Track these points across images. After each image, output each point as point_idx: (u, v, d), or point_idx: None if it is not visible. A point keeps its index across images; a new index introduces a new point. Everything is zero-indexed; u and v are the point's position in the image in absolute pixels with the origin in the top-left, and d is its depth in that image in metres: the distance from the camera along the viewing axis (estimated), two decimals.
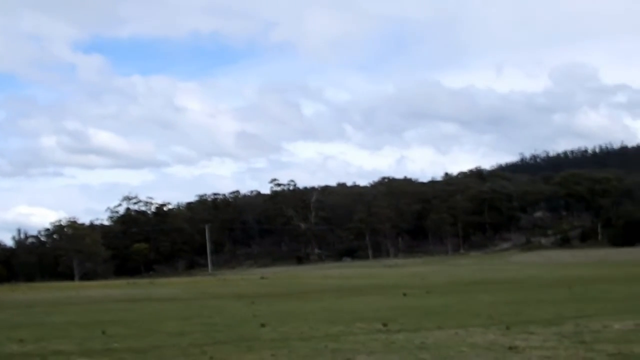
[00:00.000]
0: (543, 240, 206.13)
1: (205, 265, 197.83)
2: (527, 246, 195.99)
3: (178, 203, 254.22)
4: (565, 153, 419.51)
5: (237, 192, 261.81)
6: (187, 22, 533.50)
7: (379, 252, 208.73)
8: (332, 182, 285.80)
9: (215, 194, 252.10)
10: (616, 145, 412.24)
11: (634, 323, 27.61)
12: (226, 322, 35.40)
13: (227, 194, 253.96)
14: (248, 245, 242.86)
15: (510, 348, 22.02)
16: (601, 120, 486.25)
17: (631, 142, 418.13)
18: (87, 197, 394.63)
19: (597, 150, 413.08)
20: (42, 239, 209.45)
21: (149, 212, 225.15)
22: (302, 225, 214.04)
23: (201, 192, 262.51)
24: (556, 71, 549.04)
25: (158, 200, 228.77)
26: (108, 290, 76.63)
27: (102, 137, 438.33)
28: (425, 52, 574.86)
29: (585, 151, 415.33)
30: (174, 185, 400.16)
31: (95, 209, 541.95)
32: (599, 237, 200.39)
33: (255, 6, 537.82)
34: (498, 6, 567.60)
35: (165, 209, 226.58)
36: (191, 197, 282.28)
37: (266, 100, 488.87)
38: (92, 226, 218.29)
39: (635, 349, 21.09)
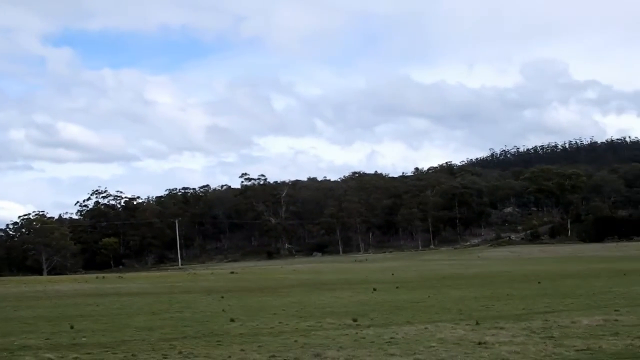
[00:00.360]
0: (513, 236, 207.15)
1: (175, 260, 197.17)
2: (497, 242, 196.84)
3: (148, 197, 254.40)
4: (535, 149, 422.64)
5: (208, 186, 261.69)
6: (157, 15, 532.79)
7: (349, 247, 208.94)
8: (303, 177, 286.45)
9: (185, 189, 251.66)
10: (586, 141, 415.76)
11: (602, 319, 27.73)
12: (195, 316, 35.25)
13: (197, 189, 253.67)
14: (218, 240, 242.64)
15: (479, 343, 22.04)
16: (571, 116, 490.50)
17: (601, 138, 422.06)
18: (56, 190, 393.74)
19: (567, 146, 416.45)
20: (11, 232, 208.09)
21: (118, 206, 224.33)
22: (273, 220, 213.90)
23: (171, 187, 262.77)
24: (527, 67, 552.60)
25: (128, 194, 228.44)
26: (77, 285, 76.04)
27: (72, 131, 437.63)
28: (396, 47, 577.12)
29: (556, 147, 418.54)
30: (144, 180, 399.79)
31: (64, 202, 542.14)
32: (569, 232, 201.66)
33: (225, 0, 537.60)
34: (468, 2, 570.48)
35: (135, 203, 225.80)
36: (161, 192, 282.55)
37: (237, 94, 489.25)
38: (61, 220, 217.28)
39: (603, 344, 21.16)
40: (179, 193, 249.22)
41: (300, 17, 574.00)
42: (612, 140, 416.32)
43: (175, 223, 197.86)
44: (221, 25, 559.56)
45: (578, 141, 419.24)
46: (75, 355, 22.20)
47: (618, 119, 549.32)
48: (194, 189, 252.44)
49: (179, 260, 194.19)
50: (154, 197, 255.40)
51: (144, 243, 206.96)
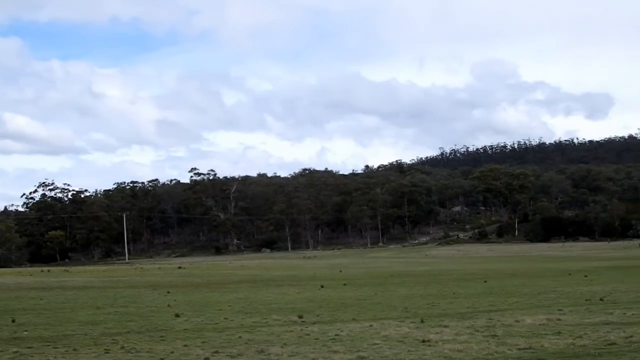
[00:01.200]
0: (461, 235, 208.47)
1: (123, 254, 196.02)
2: (445, 240, 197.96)
3: (96, 191, 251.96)
4: (484, 148, 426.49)
5: (157, 180, 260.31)
6: (107, 7, 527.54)
7: (298, 243, 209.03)
8: (253, 173, 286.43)
9: (134, 182, 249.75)
10: (534, 142, 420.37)
11: (546, 318, 27.92)
12: (140, 311, 34.98)
13: (146, 183, 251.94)
14: (166, 235, 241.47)
15: (423, 341, 22.06)
16: (520, 116, 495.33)
17: (549, 139, 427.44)
18: (2, 182, 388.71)
19: (516, 146, 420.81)
20: None
21: (65, 199, 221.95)
22: (222, 215, 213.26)
23: (120, 180, 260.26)
24: (477, 67, 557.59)
25: (75, 187, 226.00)
26: (21, 278, 75.25)
27: (19, 122, 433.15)
28: (348, 44, 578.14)
29: (505, 147, 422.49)
30: (92, 173, 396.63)
31: (10, 195, 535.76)
32: (516, 232, 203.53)
33: None
34: (420, 1, 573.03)
35: (82, 196, 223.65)
36: (109, 185, 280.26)
37: (187, 88, 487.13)
38: (6, 212, 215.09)
39: (545, 343, 21.28)
40: (128, 187, 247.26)
41: (252, 11, 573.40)
42: (560, 141, 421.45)
43: (123, 217, 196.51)
44: (172, 18, 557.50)
45: (527, 142, 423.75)
46: (15, 350, 21.87)
47: (566, 120, 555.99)
48: (142, 183, 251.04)
49: (126, 254, 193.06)
50: (102, 191, 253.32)
51: (91, 237, 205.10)
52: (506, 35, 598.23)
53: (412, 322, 27.45)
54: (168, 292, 49.25)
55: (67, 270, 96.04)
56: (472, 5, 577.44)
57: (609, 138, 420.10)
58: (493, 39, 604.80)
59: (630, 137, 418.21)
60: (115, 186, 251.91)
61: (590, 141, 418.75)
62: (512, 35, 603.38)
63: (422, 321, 27.48)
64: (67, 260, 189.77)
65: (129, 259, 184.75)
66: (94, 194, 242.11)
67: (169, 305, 37.90)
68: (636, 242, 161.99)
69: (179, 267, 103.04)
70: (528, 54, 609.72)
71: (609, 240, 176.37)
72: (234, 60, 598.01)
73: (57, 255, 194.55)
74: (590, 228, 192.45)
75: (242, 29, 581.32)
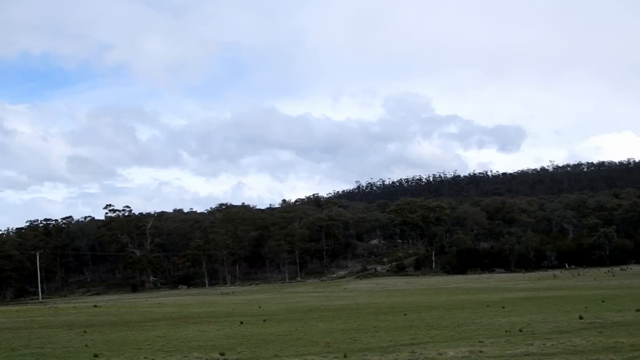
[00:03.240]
0: (379, 268, 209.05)
1: (36, 293, 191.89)
2: (363, 273, 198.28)
3: (8, 229, 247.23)
4: (400, 182, 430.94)
5: (71, 218, 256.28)
6: (17, 42, 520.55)
7: (215, 279, 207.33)
8: (168, 209, 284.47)
9: (47, 220, 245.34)
10: (449, 174, 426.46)
11: (468, 350, 27.99)
12: (57, 352, 34.17)
13: (59, 220, 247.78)
14: (81, 273, 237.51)
15: None
16: (434, 149, 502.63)
17: (463, 172, 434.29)
18: None
19: (432, 179, 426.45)
20: None
21: None
22: (137, 252, 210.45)
23: (32, 218, 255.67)
24: (390, 101, 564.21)
25: None
26: None
27: None
28: (262, 79, 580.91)
29: (420, 180, 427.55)
30: (3, 211, 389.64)
31: None
32: (433, 264, 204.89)
33: (89, 27, 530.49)
34: (332, 36, 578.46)
35: None
36: (22, 223, 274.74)
37: (100, 124, 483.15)
38: None
39: None
40: (41, 225, 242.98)
41: (166, 46, 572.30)
42: (475, 174, 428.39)
43: (36, 255, 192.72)
44: (85, 53, 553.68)
45: (442, 174, 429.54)
46: None
47: (479, 153, 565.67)
48: (56, 220, 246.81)
49: (40, 293, 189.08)
50: (14, 229, 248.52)
51: (2, 276, 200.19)
52: (419, 70, 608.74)
53: (335, 357, 27.27)
54: (85, 332, 48.33)
55: None
56: (386, 41, 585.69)
57: (522, 170, 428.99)
58: (406, 73, 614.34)
59: (543, 169, 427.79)
60: (27, 224, 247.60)
61: (504, 173, 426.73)
62: (425, 70, 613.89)
63: (345, 356, 27.33)
64: None
65: (42, 298, 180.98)
66: (5, 233, 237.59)
67: (86, 345, 37.11)
68: (550, 272, 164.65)
69: (95, 306, 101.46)
70: (441, 88, 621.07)
71: (524, 271, 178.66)
72: (148, 95, 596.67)
73: None
74: (506, 259, 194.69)
75: (156, 63, 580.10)
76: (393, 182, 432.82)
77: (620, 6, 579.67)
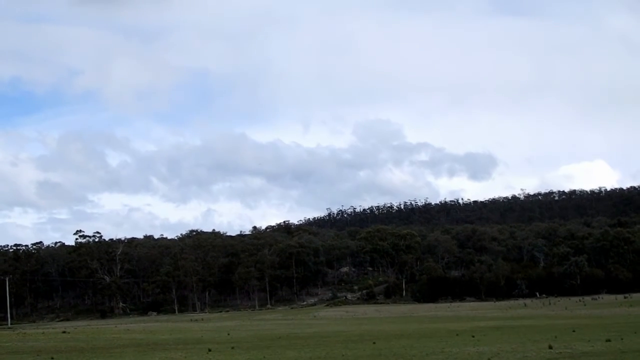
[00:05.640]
0: (349, 296, 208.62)
1: (4, 319, 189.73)
2: (333, 301, 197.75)
3: None
4: (371, 209, 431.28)
5: (41, 243, 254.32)
6: None
7: (185, 306, 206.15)
8: (138, 234, 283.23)
9: (17, 245, 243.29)
10: (420, 202, 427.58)
11: None
12: None
13: (29, 245, 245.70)
14: (50, 298, 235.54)
15: None
16: (405, 177, 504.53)
17: (434, 200, 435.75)
18: None
19: (402, 206, 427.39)
20: None
21: None
22: (107, 278, 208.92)
23: (2, 243, 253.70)
24: (360, 128, 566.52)
25: None
26: None
27: None
28: (231, 105, 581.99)
29: (391, 207, 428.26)
30: None
31: None
32: (404, 292, 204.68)
33: (58, 53, 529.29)
34: (298, 64, 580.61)
35: None
36: None
37: (70, 149, 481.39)
38: None
39: None
40: (10, 250, 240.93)
41: (135, 72, 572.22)
42: (446, 201, 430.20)
43: (5, 280, 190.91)
44: (54, 78, 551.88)
45: (413, 202, 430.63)
46: None
47: (450, 181, 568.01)
48: (26, 245, 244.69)
49: (9, 319, 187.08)
50: None
51: None
52: (389, 97, 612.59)
53: None
54: (52, 358, 47.83)
55: None
56: (354, 69, 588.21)
57: (493, 198, 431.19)
58: (376, 101, 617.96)
59: (514, 197, 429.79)
60: None
61: (475, 201, 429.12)
62: (395, 98, 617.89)
63: None
64: None
65: (11, 324, 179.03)
66: None
67: None
68: (521, 301, 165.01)
69: (64, 332, 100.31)
70: (411, 116, 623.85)
71: (495, 299, 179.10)
72: (118, 121, 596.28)
73: None
74: (477, 288, 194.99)
75: (126, 89, 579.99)
76: (364, 210, 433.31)
77: (588, 35, 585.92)
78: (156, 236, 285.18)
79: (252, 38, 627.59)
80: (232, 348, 54.45)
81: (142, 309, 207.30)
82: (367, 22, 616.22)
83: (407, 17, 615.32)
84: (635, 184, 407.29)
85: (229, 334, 79.64)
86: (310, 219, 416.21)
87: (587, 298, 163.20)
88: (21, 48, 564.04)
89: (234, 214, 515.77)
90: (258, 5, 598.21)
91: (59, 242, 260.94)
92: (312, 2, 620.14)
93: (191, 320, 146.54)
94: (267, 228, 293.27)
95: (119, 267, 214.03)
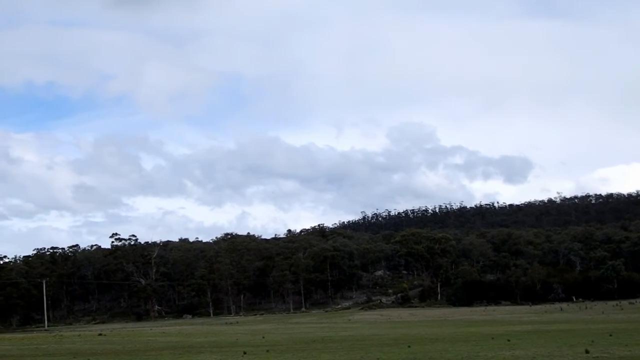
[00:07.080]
0: (384, 299, 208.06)
1: (41, 321, 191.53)
2: (368, 305, 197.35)
3: (15, 257, 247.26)
4: (406, 212, 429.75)
5: (77, 246, 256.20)
6: (22, 71, 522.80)
7: (220, 309, 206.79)
8: (173, 238, 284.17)
9: (54, 248, 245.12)
10: (455, 206, 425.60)
11: None
12: None
13: (66, 248, 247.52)
14: (86, 301, 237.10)
15: None
16: (439, 180, 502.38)
17: (469, 203, 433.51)
18: None
19: (437, 210, 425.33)
20: None
21: None
22: (142, 281, 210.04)
23: (39, 246, 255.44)
24: (394, 131, 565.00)
25: None
26: None
27: None
28: (265, 109, 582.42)
29: (426, 211, 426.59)
30: (10, 239, 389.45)
31: None
32: (438, 296, 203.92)
33: (91, 57, 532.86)
34: (329, 67, 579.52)
35: (0, 262, 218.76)
36: (29, 251, 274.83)
37: (104, 153, 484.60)
38: None
39: None
40: (47, 253, 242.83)
41: (168, 76, 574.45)
42: (481, 205, 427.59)
43: (42, 283, 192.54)
44: (88, 83, 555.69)
45: (448, 206, 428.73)
46: None
47: (485, 184, 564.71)
48: (62, 248, 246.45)
49: (46, 321, 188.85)
50: (22, 257, 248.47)
51: (9, 303, 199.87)
52: (419, 99, 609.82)
53: None
54: None
55: None
56: (386, 71, 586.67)
57: (529, 202, 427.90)
58: (409, 103, 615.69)
59: (550, 200, 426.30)
60: (34, 252, 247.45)
61: (510, 205, 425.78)
62: (425, 100, 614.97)
63: None
64: None
65: (48, 326, 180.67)
66: (12, 260, 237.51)
67: None
68: (557, 305, 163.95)
69: (100, 334, 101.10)
70: (445, 118, 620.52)
71: (531, 304, 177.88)
72: (152, 124, 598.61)
73: None
74: (512, 292, 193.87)
75: (159, 93, 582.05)
76: (398, 213, 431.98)
77: (623, 37, 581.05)
78: (191, 239, 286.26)
79: (283, 41, 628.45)
80: (267, 351, 54.58)
81: (177, 312, 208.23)
82: (399, 24, 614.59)
83: (439, 19, 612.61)
84: None
85: (263, 337, 79.80)
86: (345, 222, 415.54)
87: (624, 302, 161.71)
88: (55, 52, 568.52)
89: (268, 217, 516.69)
90: (289, 8, 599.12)
91: (95, 245, 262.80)
92: (342, 4, 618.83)
93: (226, 323, 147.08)
94: (301, 231, 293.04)
95: (154, 270, 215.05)
